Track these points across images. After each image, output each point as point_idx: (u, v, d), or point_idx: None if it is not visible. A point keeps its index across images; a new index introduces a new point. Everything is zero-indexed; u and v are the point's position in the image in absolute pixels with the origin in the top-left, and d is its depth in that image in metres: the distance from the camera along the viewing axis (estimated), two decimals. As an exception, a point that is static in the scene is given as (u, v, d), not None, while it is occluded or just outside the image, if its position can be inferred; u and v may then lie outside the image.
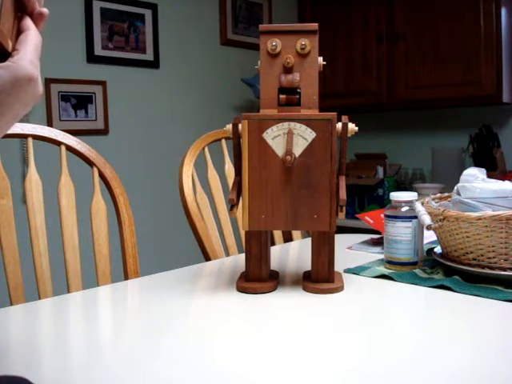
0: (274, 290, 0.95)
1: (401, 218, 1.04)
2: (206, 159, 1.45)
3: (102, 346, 0.73)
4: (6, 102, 0.52)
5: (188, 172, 1.39)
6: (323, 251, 0.95)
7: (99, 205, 1.19)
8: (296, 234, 1.56)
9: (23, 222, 1.15)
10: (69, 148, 1.19)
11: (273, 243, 1.42)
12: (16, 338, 0.75)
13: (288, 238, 1.55)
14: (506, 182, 1.04)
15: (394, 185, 2.93)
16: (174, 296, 0.93)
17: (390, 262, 1.06)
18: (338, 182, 0.94)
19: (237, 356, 0.67)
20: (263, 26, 0.95)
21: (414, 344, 0.70)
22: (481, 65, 2.60)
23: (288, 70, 0.94)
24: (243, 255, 0.99)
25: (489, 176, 1.09)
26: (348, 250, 1.27)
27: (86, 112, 2.50)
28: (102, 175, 1.21)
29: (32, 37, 0.55)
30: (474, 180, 1.06)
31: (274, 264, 1.12)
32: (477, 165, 2.69)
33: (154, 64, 2.74)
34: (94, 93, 2.52)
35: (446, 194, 1.17)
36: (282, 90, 0.95)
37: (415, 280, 0.98)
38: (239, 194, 0.95)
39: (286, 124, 0.91)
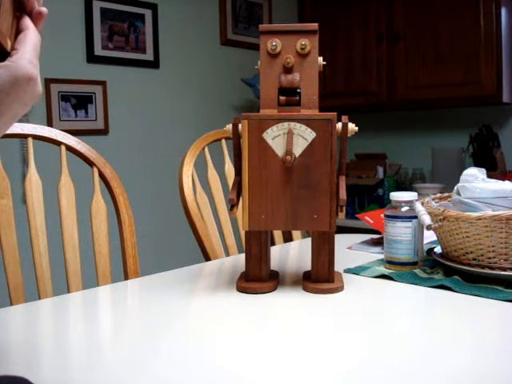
0: (273, 290, 0.95)
1: (401, 217, 1.04)
2: (206, 159, 1.45)
3: (102, 345, 0.73)
4: (5, 102, 0.52)
5: (188, 172, 1.39)
6: (323, 251, 0.95)
7: (99, 205, 1.19)
8: (296, 233, 1.56)
9: (23, 222, 1.15)
10: (69, 148, 1.19)
11: (273, 243, 1.42)
12: (16, 338, 0.75)
13: (288, 238, 1.55)
14: (506, 182, 1.04)
15: (394, 185, 2.93)
16: (174, 296, 0.93)
17: (389, 262, 1.06)
18: (338, 182, 0.94)
19: (237, 356, 0.67)
20: (263, 26, 0.95)
21: (414, 344, 0.70)
22: (481, 65, 2.60)
23: (288, 70, 0.94)
24: (243, 255, 0.99)
25: (489, 176, 1.09)
26: (348, 250, 1.27)
27: (86, 112, 2.50)
28: (101, 175, 1.21)
29: (31, 36, 0.55)
30: (474, 180, 1.06)
31: (274, 264, 1.12)
32: (477, 165, 2.69)
33: (154, 64, 2.74)
34: (94, 93, 2.52)
35: (446, 194, 1.17)
36: (281, 90, 0.95)
37: (415, 280, 0.98)
38: (239, 194, 0.95)
39: (285, 124, 0.91)
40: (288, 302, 0.89)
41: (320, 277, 0.95)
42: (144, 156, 2.72)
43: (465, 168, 1.13)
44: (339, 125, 0.92)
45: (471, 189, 1.02)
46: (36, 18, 0.57)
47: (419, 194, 1.29)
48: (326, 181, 0.91)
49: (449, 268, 1.01)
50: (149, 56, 2.71)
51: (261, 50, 0.95)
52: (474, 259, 0.96)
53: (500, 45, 2.55)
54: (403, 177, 3.10)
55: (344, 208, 0.91)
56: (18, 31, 0.56)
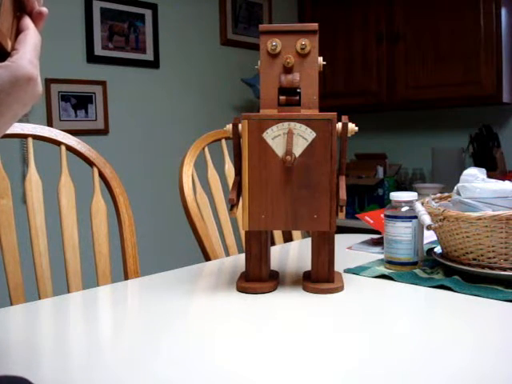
0: (273, 290, 0.95)
1: (401, 217, 1.04)
2: (206, 159, 1.45)
3: (102, 345, 0.73)
4: (5, 102, 0.52)
5: (188, 172, 1.39)
6: (323, 251, 0.95)
7: (99, 205, 1.19)
8: (296, 233, 1.56)
9: (23, 222, 1.15)
10: (69, 148, 1.19)
11: (273, 243, 1.42)
12: (16, 338, 0.75)
13: (288, 238, 1.55)
14: (506, 182, 1.04)
15: (394, 185, 2.93)
16: (174, 296, 0.93)
17: (389, 262, 1.06)
18: (338, 182, 0.94)
19: (237, 356, 0.67)
20: (263, 26, 0.95)
21: (414, 344, 0.70)
22: (481, 65, 2.60)
23: (288, 70, 0.94)
24: (243, 255, 0.99)
25: (489, 176, 1.09)
26: (348, 250, 1.27)
27: (86, 112, 2.50)
28: (102, 175, 1.21)
29: (31, 36, 0.55)
30: (474, 180, 1.06)
31: (274, 264, 1.12)
32: (477, 165, 2.69)
33: (154, 64, 2.74)
34: (94, 93, 2.52)
35: (446, 194, 1.17)
36: (281, 90, 0.95)
37: (415, 280, 0.98)
38: (239, 193, 0.95)
39: (285, 124, 0.91)
40: (288, 302, 0.89)
41: (320, 277, 0.95)
42: (144, 156, 2.72)
43: (465, 168, 1.13)
44: (339, 125, 0.92)
45: (471, 189, 1.02)
46: (36, 18, 0.57)
47: (419, 194, 1.29)
48: (326, 181, 0.91)
49: (449, 268, 1.01)
50: (149, 56, 2.71)
51: (261, 50, 0.95)
52: (474, 259, 0.96)
53: (500, 45, 2.55)
54: (403, 177, 3.10)
55: (344, 208, 0.91)
56: (18, 31, 0.55)
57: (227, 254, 1.40)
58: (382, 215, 1.10)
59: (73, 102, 2.45)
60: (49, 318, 0.87)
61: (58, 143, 1.18)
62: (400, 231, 1.04)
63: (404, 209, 1.05)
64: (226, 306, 0.88)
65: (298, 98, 0.94)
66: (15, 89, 0.52)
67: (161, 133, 2.79)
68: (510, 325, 0.78)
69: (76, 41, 2.47)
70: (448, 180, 2.65)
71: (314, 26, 0.94)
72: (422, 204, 1.04)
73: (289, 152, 0.89)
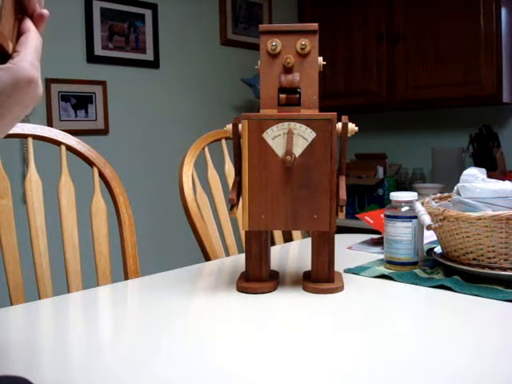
0: (273, 289, 0.95)
1: (401, 217, 1.04)
2: (206, 159, 1.45)
3: (102, 345, 0.73)
4: (6, 104, 0.52)
5: (188, 172, 1.39)
6: (323, 251, 0.95)
7: (99, 205, 1.19)
8: (296, 233, 1.56)
9: (23, 222, 1.15)
10: (69, 148, 1.19)
11: (273, 243, 1.42)
12: (16, 338, 0.75)
13: (288, 238, 1.55)
14: (506, 182, 1.04)
15: (394, 185, 2.93)
16: (174, 296, 0.93)
17: (389, 262, 1.06)
18: (338, 182, 0.94)
19: (237, 356, 0.67)
20: (263, 26, 0.95)
21: (414, 344, 0.70)
22: (481, 65, 2.60)
23: (288, 69, 0.94)
24: (243, 255, 0.99)
25: (489, 176, 1.09)
26: (348, 250, 1.27)
27: (86, 112, 2.50)
28: (102, 175, 1.21)
29: (32, 38, 0.55)
30: (474, 180, 1.06)
31: (274, 264, 1.12)
32: (477, 165, 2.70)
33: (154, 64, 2.74)
34: (94, 93, 2.52)
35: (446, 194, 1.17)
36: (281, 89, 0.95)
37: (415, 280, 0.98)
38: (239, 193, 0.95)
39: (285, 124, 0.91)
40: (288, 302, 0.89)
41: (320, 277, 0.95)
42: (144, 156, 2.72)
43: (465, 168, 1.13)
44: (339, 125, 0.92)
45: (471, 189, 1.02)
46: (37, 20, 0.57)
47: (419, 194, 1.29)
48: (326, 181, 0.91)
49: (449, 268, 1.01)
50: (149, 56, 2.71)
51: (261, 50, 0.95)
52: (474, 259, 0.96)
53: (500, 45, 2.55)
54: (403, 177, 3.11)
55: (344, 208, 0.91)
56: (19, 33, 0.56)
57: (227, 254, 1.40)
58: (382, 215, 1.10)
59: (73, 101, 2.45)
60: (49, 318, 0.87)
61: (58, 143, 1.18)
62: (400, 231, 1.04)
63: (404, 209, 1.05)
64: (225, 306, 0.88)
65: (298, 97, 0.94)
66: (16, 91, 0.52)
67: (161, 133, 2.79)
68: (510, 325, 0.78)
69: (76, 41, 2.47)
70: (448, 180, 2.65)
71: (314, 26, 0.94)
72: (422, 204, 1.04)
73: (289, 152, 0.89)
